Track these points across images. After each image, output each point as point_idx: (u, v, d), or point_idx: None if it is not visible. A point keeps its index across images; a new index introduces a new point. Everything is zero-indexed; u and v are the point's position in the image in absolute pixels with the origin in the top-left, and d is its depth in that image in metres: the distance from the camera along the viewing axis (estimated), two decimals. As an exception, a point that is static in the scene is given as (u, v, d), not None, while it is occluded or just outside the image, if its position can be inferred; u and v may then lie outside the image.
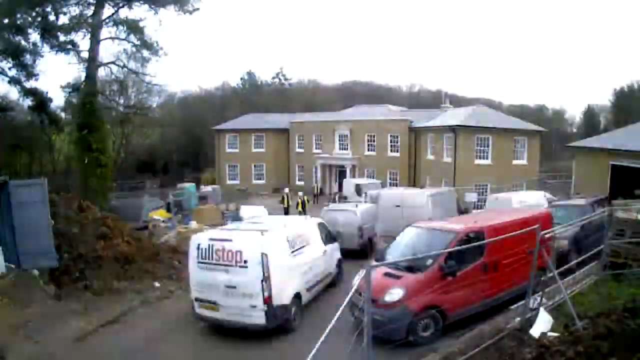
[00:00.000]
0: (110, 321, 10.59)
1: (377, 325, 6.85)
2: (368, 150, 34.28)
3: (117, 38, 25.33)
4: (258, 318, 9.01)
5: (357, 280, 8.78)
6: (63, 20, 23.75)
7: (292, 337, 9.41)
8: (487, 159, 26.54)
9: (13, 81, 24.02)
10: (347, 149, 35.26)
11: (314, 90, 60.35)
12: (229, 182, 38.84)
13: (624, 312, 7.61)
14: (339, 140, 35.90)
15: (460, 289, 8.84)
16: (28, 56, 23.55)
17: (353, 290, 7.55)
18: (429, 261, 8.87)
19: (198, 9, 26.08)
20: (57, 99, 29.45)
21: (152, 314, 11.40)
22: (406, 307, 8.45)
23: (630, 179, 21.08)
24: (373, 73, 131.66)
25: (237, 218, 22.85)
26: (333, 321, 5.19)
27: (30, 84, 24.23)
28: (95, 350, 9.20)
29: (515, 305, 9.32)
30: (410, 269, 9.08)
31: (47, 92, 24.75)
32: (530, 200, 17.99)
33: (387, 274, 9.10)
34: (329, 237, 12.86)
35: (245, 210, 23.71)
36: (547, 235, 8.57)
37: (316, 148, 37.31)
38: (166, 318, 11.06)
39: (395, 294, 8.56)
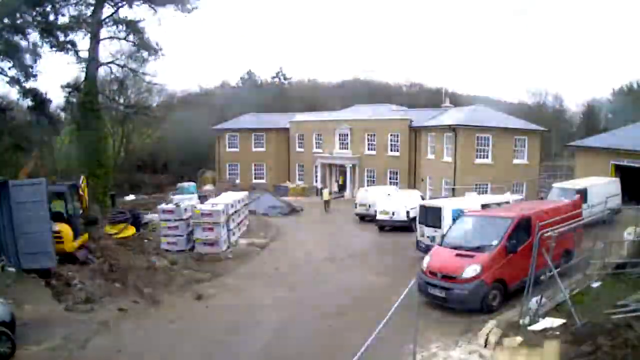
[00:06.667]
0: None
1: (457, 299, 9.95)
2: (368, 149, 34.20)
3: (117, 37, 25.31)
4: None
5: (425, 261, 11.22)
6: (62, 19, 23.74)
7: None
8: (487, 158, 26.51)
9: (12, 81, 23.95)
10: (348, 148, 35.18)
11: (313, 89, 60.05)
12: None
13: (624, 311, 7.60)
14: (339, 139, 35.83)
15: (516, 264, 10.21)
16: (27, 56, 23.49)
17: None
18: (495, 241, 10.56)
19: (197, 7, 26.12)
20: (57, 99, 29.28)
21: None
22: (482, 281, 10.01)
23: (632, 178, 21.09)
24: (373, 72, 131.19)
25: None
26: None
27: (29, 84, 24.17)
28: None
29: (514, 305, 9.31)
30: (477, 249, 10.70)
31: (46, 93, 24.67)
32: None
33: (459, 255, 10.72)
34: None
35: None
36: (547, 234, 8.57)
37: (316, 147, 37.25)
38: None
39: (473, 270, 10.10)
